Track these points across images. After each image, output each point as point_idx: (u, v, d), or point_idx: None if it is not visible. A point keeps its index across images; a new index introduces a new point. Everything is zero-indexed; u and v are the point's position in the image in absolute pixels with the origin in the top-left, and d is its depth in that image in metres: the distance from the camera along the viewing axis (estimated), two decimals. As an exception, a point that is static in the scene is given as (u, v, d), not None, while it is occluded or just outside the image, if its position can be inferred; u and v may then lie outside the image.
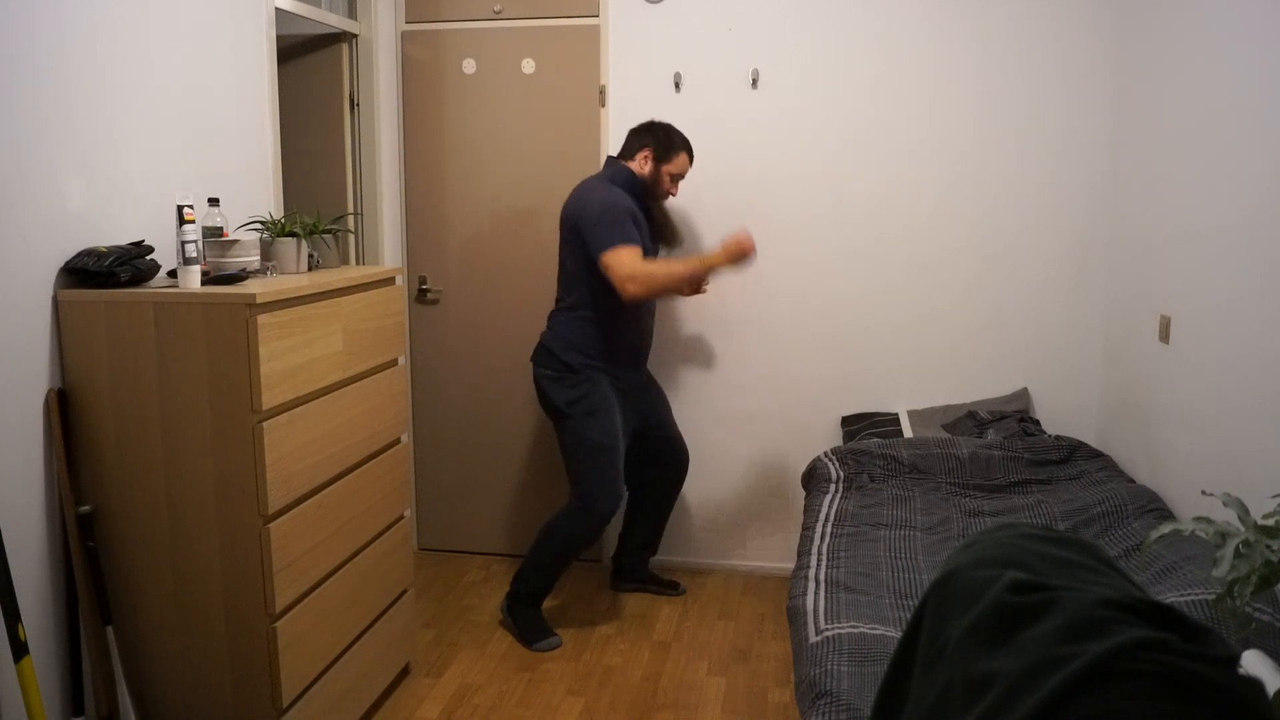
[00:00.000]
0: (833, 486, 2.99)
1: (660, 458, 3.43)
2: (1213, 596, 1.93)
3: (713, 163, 3.55)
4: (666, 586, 3.60)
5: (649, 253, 3.12)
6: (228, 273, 2.27)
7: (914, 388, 3.57)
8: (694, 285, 3.04)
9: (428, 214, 3.81)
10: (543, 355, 3.16)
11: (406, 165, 3.79)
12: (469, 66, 3.69)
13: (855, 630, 2.07)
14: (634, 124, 3.24)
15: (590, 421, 3.08)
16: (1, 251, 1.99)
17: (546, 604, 3.37)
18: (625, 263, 2.92)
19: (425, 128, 3.75)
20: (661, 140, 3.15)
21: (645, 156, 3.14)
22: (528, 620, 3.19)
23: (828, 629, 2.10)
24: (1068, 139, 3.36)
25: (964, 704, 1.11)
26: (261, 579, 2.15)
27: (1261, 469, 2.19)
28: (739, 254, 3.00)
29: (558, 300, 3.21)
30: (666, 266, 3.01)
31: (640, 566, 3.62)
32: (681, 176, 3.21)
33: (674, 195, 3.25)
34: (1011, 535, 1.30)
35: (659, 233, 3.25)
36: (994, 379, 3.52)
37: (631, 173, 3.14)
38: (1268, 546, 1.26)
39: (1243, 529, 1.30)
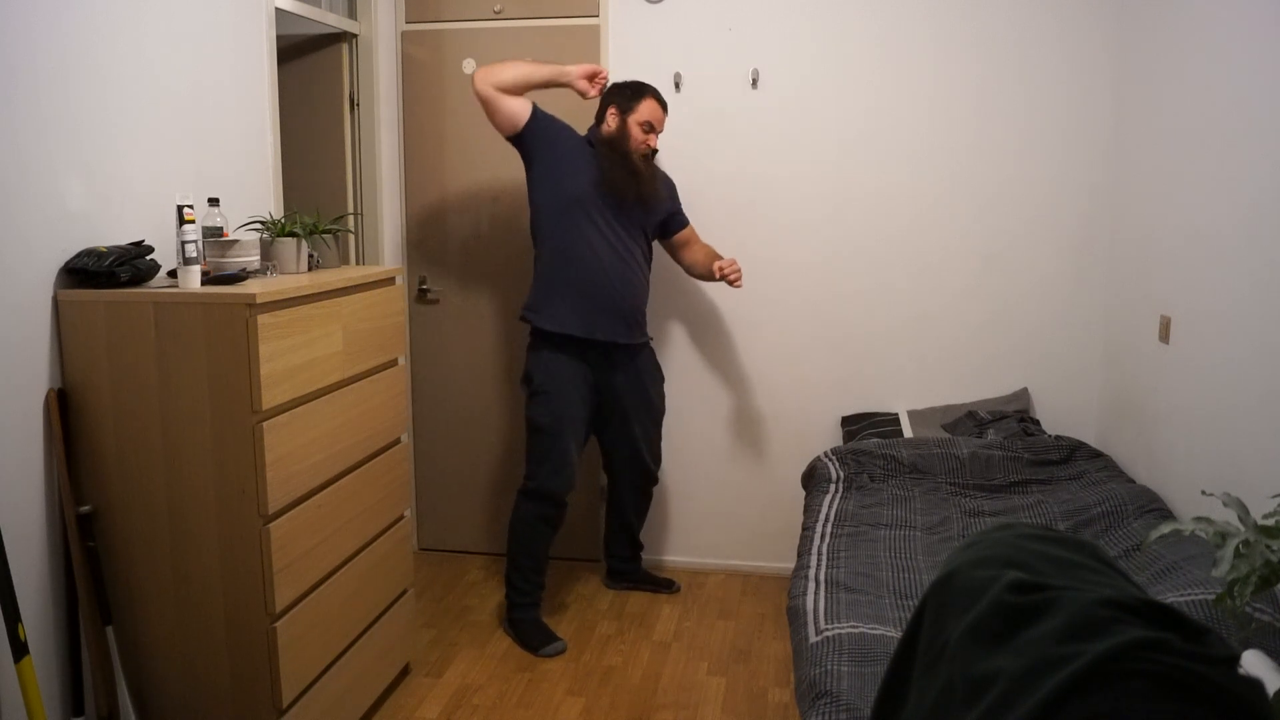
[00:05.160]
0: (833, 486, 2.99)
1: (625, 466, 3.41)
2: (1213, 596, 1.93)
3: (713, 162, 3.56)
4: (661, 585, 3.60)
5: (620, 206, 3.11)
6: (228, 273, 2.27)
7: (914, 388, 3.57)
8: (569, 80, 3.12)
9: (428, 214, 3.81)
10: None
11: (406, 165, 3.79)
12: (469, 66, 3.69)
13: (855, 630, 2.07)
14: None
15: (535, 402, 3.13)
16: (1, 251, 1.98)
17: (547, 604, 3.36)
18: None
19: (425, 128, 3.75)
20: (624, 92, 3.15)
21: (612, 113, 3.15)
22: (529, 627, 3.17)
23: (828, 629, 2.10)
24: (1068, 139, 3.36)
25: (964, 704, 1.11)
26: (261, 579, 2.15)
27: (1261, 469, 2.19)
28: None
29: None
30: (521, 62, 3.10)
31: (632, 569, 3.62)
32: (654, 126, 3.15)
33: (654, 147, 3.17)
34: (1011, 535, 1.30)
35: (644, 186, 3.13)
36: (994, 379, 3.52)
37: (596, 130, 3.18)
38: (1268, 546, 1.26)
39: (1243, 529, 1.30)
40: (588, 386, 3.18)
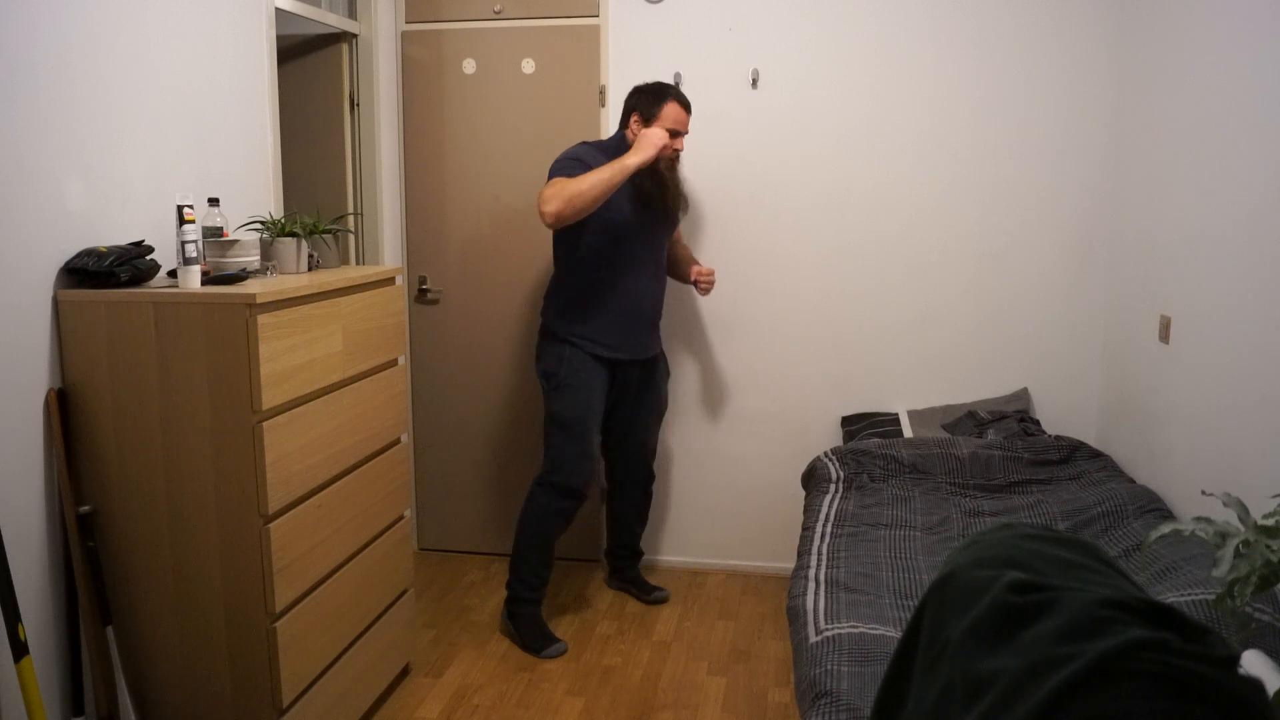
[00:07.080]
0: (833, 486, 2.99)
1: (628, 463, 3.42)
2: (1213, 596, 1.93)
3: (713, 162, 3.55)
4: (644, 591, 3.54)
5: (652, 220, 3.10)
6: (228, 273, 2.27)
7: (914, 388, 3.57)
8: (642, 171, 2.92)
9: (428, 214, 3.81)
10: (539, 324, 3.24)
11: (406, 165, 3.79)
12: (469, 66, 3.69)
13: (855, 630, 2.07)
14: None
15: (559, 395, 3.11)
16: (1, 251, 1.98)
17: (547, 604, 3.35)
18: (543, 191, 2.88)
19: (425, 128, 3.75)
20: (646, 99, 3.07)
21: (635, 121, 3.07)
22: (530, 626, 3.15)
23: (828, 629, 2.10)
24: (1068, 138, 3.36)
25: (964, 704, 1.11)
26: (261, 579, 2.15)
27: (1261, 469, 2.19)
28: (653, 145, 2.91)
29: None
30: (585, 176, 2.86)
31: (627, 567, 3.61)
32: (680, 131, 3.06)
33: (680, 150, 3.10)
34: (1011, 535, 1.30)
35: (670, 198, 3.10)
36: (994, 379, 3.52)
37: (622, 137, 3.10)
38: (1268, 546, 1.26)
39: (1243, 529, 1.30)
40: (606, 383, 3.18)
